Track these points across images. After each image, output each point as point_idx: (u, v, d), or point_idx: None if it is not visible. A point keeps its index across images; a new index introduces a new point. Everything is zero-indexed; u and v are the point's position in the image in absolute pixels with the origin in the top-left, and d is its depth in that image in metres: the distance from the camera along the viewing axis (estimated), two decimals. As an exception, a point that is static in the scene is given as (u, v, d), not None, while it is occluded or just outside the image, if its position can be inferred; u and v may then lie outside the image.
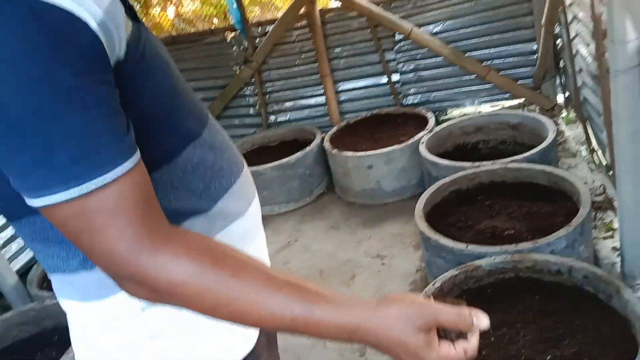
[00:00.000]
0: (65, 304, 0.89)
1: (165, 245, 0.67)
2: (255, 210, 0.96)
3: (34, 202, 0.65)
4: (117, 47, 0.68)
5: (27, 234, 0.80)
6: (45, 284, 2.90)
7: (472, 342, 0.71)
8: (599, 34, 2.00)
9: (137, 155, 0.68)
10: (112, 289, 0.75)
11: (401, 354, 0.70)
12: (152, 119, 0.76)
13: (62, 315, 2.42)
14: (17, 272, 3.10)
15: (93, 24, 0.63)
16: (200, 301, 0.68)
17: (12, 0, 0.59)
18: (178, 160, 0.80)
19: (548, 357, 1.70)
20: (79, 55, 0.62)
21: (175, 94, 0.81)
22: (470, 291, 2.07)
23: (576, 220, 2.14)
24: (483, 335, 0.75)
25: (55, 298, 2.33)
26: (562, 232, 2.10)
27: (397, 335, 0.69)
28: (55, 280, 0.86)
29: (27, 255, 3.32)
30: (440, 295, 2.02)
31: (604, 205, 2.71)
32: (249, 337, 0.91)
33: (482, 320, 0.71)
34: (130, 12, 0.74)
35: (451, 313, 0.70)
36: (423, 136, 3.24)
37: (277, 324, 0.69)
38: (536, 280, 2.02)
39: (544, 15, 3.06)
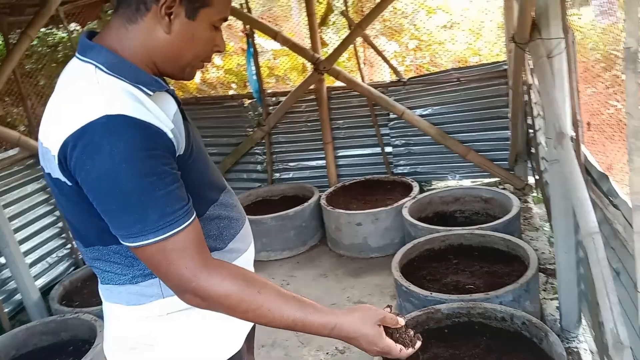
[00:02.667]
0: (110, 306, 1.22)
1: (215, 271, 1.04)
2: (251, 249, 1.39)
3: (131, 244, 1.01)
4: (180, 146, 1.07)
5: (94, 255, 1.16)
6: (65, 301, 3.27)
7: (411, 348, 1.14)
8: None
9: (194, 214, 1.06)
10: (147, 299, 1.16)
11: (362, 342, 1.11)
12: (191, 192, 1.09)
13: (79, 328, 2.85)
14: (40, 289, 3.48)
15: (170, 134, 1.03)
16: (236, 307, 1.05)
17: (126, 119, 0.97)
18: (203, 216, 1.16)
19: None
20: (163, 153, 1.01)
21: (207, 175, 1.24)
22: (430, 330, 2.47)
23: (522, 279, 2.57)
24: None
25: (74, 314, 2.76)
26: (509, 287, 2.53)
27: (360, 329, 1.10)
28: (106, 289, 1.21)
29: (49, 277, 3.72)
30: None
31: (555, 272, 3.15)
32: (237, 342, 1.30)
33: (400, 320, 1.15)
34: (182, 114, 1.16)
35: (391, 316, 1.15)
36: (407, 202, 3.72)
37: (284, 323, 1.07)
38: (485, 324, 2.43)
39: (510, 110, 3.62)
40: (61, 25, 4.27)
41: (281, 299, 1.08)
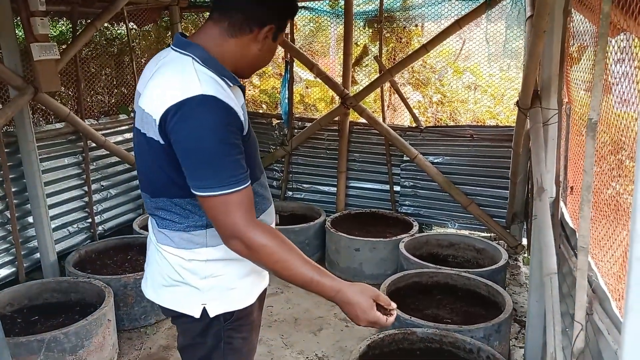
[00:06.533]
0: (160, 247, 1.53)
1: (259, 226, 1.32)
2: (273, 225, 1.68)
3: (201, 193, 1.29)
4: (244, 128, 1.41)
5: (159, 205, 1.48)
6: (78, 267, 3.55)
7: (390, 318, 1.40)
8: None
9: (250, 181, 1.34)
10: (194, 245, 1.46)
11: (357, 309, 1.35)
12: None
13: (88, 292, 3.20)
14: (57, 253, 3.78)
15: (242, 117, 1.35)
16: (270, 257, 1.31)
17: (215, 100, 1.27)
18: None
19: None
20: (236, 130, 1.31)
21: (255, 157, 1.55)
22: (403, 349, 2.72)
23: (495, 320, 2.81)
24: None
25: (86, 278, 3.11)
26: (481, 325, 2.77)
27: (357, 298, 1.36)
28: (161, 233, 1.50)
29: (67, 244, 4.02)
30: (380, 345, 2.68)
31: (529, 325, 3.37)
32: (252, 297, 1.59)
33: (393, 305, 1.42)
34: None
35: (385, 297, 1.41)
36: (405, 237, 3.99)
37: (302, 279, 1.33)
38: (454, 353, 2.67)
39: (510, 169, 3.92)
40: (121, 23, 4.70)
41: (304, 260, 1.36)
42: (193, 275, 1.49)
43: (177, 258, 1.49)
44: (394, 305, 1.41)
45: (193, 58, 1.37)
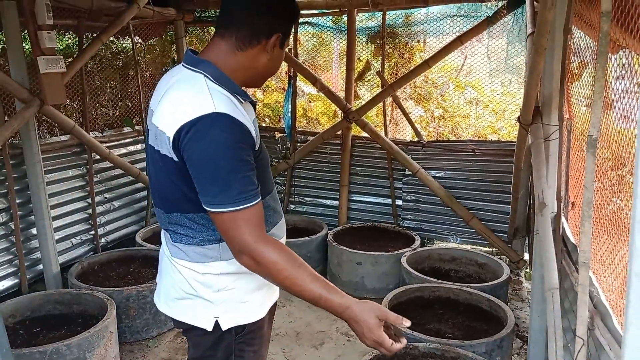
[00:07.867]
0: (175, 261, 1.54)
1: (269, 242, 1.33)
2: (284, 239, 1.68)
3: (211, 209, 1.31)
4: (256, 144, 1.43)
5: (173, 220, 1.49)
6: (81, 279, 3.55)
7: (396, 345, 1.37)
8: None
9: (260, 197, 1.36)
10: (208, 259, 1.47)
11: (364, 327, 1.35)
12: (258, 180, 1.38)
13: (90, 304, 3.20)
14: (60, 265, 3.78)
15: (253, 134, 1.37)
16: (279, 274, 1.32)
17: (229, 118, 1.29)
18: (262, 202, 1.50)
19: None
20: (248, 147, 1.33)
21: (267, 170, 1.58)
22: (405, 364, 2.72)
23: (497, 335, 2.81)
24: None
25: (89, 290, 3.11)
26: (484, 340, 2.77)
27: (365, 317, 1.35)
28: (175, 247, 1.51)
29: (70, 255, 4.03)
30: None
31: (531, 341, 3.36)
32: (263, 311, 1.60)
33: (406, 322, 1.40)
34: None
35: (394, 314, 1.39)
36: (407, 252, 3.99)
37: (311, 295, 1.33)
38: (456, 368, 2.67)
39: (512, 184, 3.93)
40: (127, 37, 4.76)
41: (313, 276, 1.36)
42: (206, 288, 1.50)
43: (191, 272, 1.50)
44: (406, 323, 1.38)
45: (205, 75, 1.39)
